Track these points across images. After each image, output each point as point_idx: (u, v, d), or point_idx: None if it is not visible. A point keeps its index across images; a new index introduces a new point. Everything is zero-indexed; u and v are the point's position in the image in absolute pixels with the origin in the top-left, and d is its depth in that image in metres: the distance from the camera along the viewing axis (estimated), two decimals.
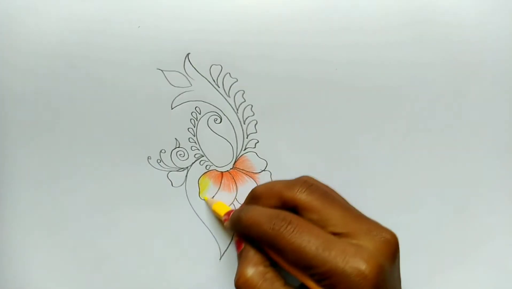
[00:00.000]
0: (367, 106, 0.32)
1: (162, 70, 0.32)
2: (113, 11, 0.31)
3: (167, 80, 0.32)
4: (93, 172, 0.32)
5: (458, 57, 0.32)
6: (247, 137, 0.32)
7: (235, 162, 0.33)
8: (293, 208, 0.27)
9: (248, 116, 0.32)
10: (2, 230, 0.33)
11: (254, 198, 0.29)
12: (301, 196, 0.26)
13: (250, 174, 0.33)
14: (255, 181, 0.33)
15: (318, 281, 0.24)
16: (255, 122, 0.32)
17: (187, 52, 0.31)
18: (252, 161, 0.32)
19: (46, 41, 0.31)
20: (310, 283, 0.24)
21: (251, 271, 0.26)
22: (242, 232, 0.27)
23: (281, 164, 0.32)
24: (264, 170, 0.32)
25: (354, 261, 0.23)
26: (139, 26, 0.31)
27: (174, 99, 0.32)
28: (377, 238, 0.25)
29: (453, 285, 0.33)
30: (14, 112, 0.32)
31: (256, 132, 0.32)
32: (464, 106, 0.32)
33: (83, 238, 0.33)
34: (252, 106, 0.32)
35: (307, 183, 0.27)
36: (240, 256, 0.28)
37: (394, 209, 0.33)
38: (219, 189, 0.33)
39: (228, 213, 0.30)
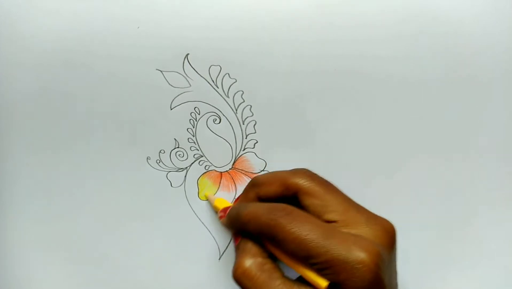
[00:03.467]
0: (367, 106, 0.32)
1: (161, 71, 0.32)
2: (112, 12, 0.31)
3: (166, 80, 0.32)
4: (92, 172, 0.32)
5: (458, 55, 0.32)
6: (246, 138, 0.32)
7: (234, 162, 0.33)
8: (294, 194, 0.27)
9: (247, 117, 0.32)
10: (1, 230, 0.33)
11: (255, 185, 0.29)
12: (304, 181, 0.27)
13: (249, 174, 0.33)
14: None
15: (319, 271, 0.24)
16: (254, 123, 0.32)
17: (186, 53, 0.31)
18: (251, 161, 0.33)
19: (45, 45, 0.32)
20: (310, 274, 0.24)
21: (249, 262, 0.26)
22: (242, 228, 0.27)
23: (280, 164, 0.32)
24: (263, 170, 0.33)
25: (355, 249, 0.23)
26: (138, 27, 0.31)
27: (173, 100, 0.32)
28: (376, 227, 0.25)
29: (453, 284, 0.33)
30: (13, 111, 0.32)
31: (255, 132, 0.32)
32: (464, 105, 0.32)
33: (82, 238, 0.33)
34: (251, 106, 0.32)
35: (309, 171, 0.28)
36: (238, 248, 0.27)
37: (394, 208, 0.33)
38: (218, 189, 0.33)
39: (224, 210, 0.30)
